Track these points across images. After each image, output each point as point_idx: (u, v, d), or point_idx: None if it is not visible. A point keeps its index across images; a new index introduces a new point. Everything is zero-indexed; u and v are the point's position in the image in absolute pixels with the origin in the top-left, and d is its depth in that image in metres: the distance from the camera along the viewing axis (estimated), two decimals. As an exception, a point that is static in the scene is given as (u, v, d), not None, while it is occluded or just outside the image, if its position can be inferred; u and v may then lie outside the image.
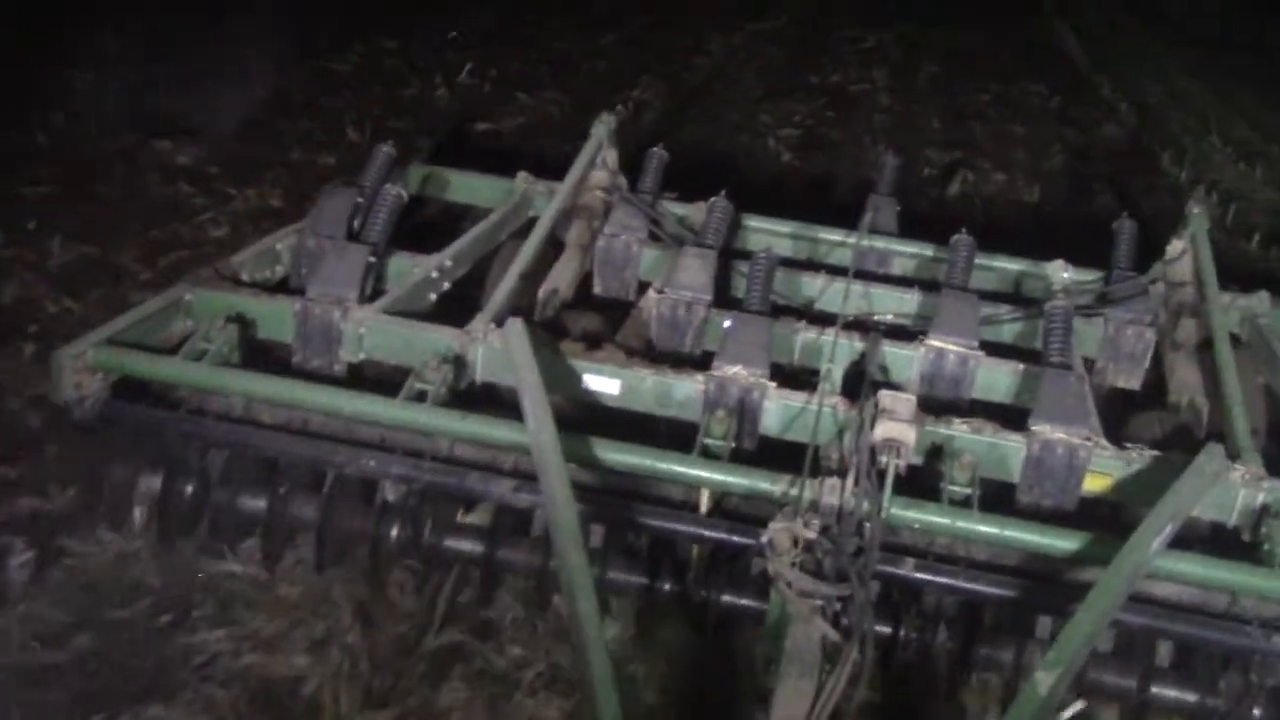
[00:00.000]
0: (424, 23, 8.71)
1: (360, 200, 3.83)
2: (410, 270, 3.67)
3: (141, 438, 3.13)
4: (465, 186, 4.49)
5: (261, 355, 3.40)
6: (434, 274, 3.68)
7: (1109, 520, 3.14)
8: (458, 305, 3.62)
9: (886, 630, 2.87)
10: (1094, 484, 3.12)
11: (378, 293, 3.57)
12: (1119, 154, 7.85)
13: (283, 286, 3.73)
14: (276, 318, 3.40)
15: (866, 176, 5.09)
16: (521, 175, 4.34)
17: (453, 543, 3.07)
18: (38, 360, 3.78)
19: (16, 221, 4.86)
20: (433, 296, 3.68)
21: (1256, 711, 2.78)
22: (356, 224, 3.77)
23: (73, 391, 3.06)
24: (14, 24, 6.22)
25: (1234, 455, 3.05)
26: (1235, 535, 3.02)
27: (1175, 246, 4.02)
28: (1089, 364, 3.75)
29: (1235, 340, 3.77)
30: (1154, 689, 2.81)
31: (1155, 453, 3.12)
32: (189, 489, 3.09)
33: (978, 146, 7.64)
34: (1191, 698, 2.82)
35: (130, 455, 3.12)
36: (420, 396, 3.11)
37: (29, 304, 4.33)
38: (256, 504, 3.09)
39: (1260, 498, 2.97)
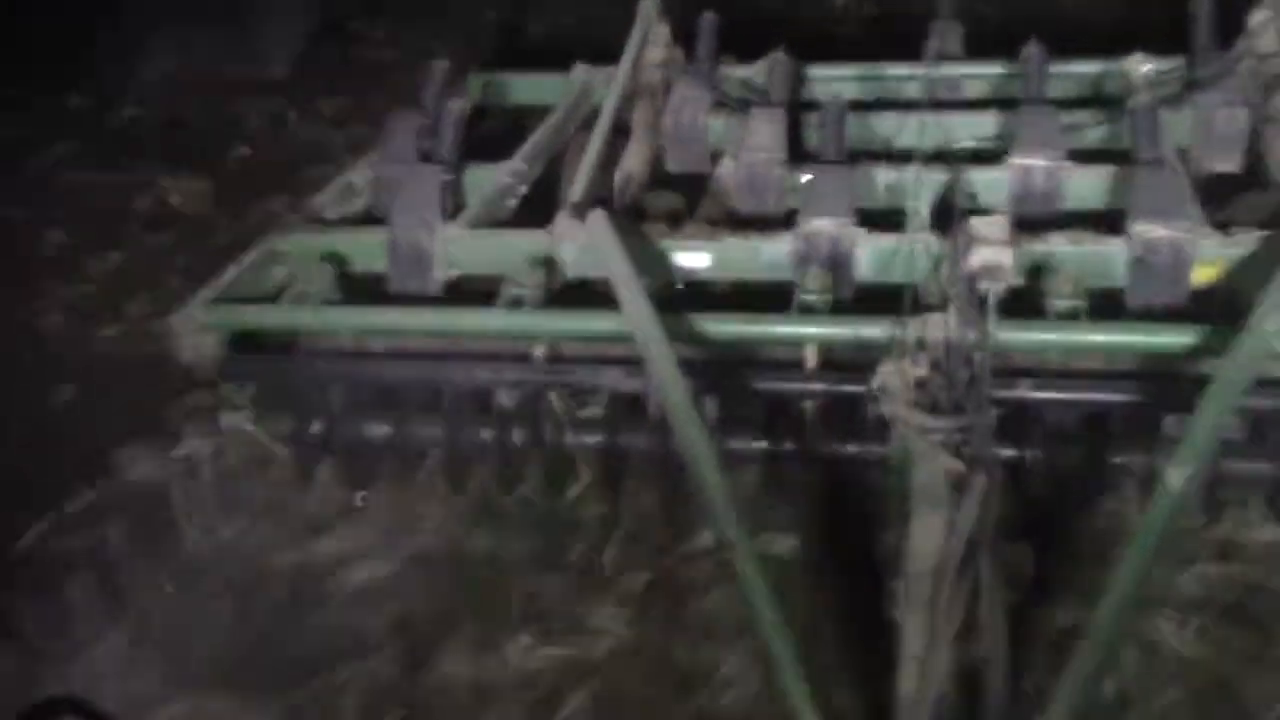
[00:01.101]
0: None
1: (425, 121, 3.86)
2: (487, 181, 3.70)
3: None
4: (525, 88, 4.48)
5: (359, 288, 3.49)
6: (509, 180, 3.70)
7: (1226, 310, 3.09)
8: (540, 207, 3.65)
9: (1012, 454, 2.89)
10: (1204, 275, 3.06)
11: (459, 208, 3.61)
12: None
13: (368, 219, 3.80)
14: (368, 250, 3.47)
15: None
16: (579, 66, 4.31)
17: (574, 438, 3.15)
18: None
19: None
20: (512, 203, 3.71)
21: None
22: (425, 145, 3.81)
23: (192, 353, 3.19)
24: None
25: (1344, 223, 2.96)
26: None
27: (1257, 17, 3.84)
28: (1183, 154, 3.64)
29: (1334, 107, 3.62)
30: (1289, 469, 2.79)
31: (1262, 233, 3.04)
32: (318, 426, 3.21)
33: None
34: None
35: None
36: (517, 302, 3.17)
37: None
38: (381, 430, 3.19)
39: (1375, 262, 2.89)
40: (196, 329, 3.19)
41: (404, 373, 3.17)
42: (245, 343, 3.27)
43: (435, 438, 3.17)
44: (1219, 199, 3.50)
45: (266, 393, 3.25)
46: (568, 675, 2.74)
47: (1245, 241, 3.02)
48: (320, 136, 5.43)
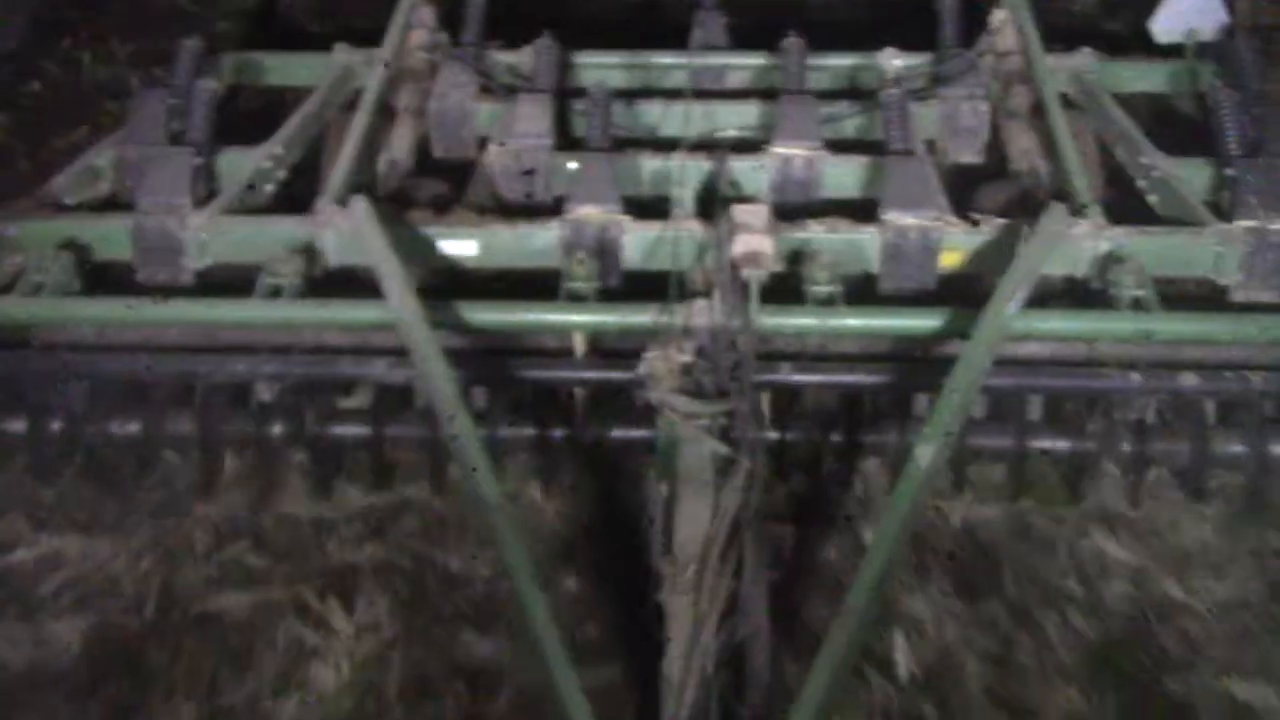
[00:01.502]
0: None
1: (175, 101, 3.66)
2: (242, 165, 3.54)
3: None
4: (282, 68, 4.29)
5: (104, 279, 3.29)
6: (266, 164, 3.54)
7: (972, 294, 3.25)
8: (299, 193, 3.52)
9: (774, 436, 2.96)
10: (950, 260, 3.22)
11: (212, 194, 3.45)
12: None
13: (111, 204, 3.58)
14: (111, 237, 3.27)
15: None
16: (339, 47, 4.15)
17: (339, 429, 3.06)
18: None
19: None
20: (270, 188, 3.56)
21: (1125, 447, 2.95)
22: (175, 127, 3.62)
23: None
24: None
25: (1076, 211, 3.16)
26: (1086, 287, 3.16)
27: (997, 16, 4.06)
28: (930, 145, 3.82)
29: (1066, 100, 3.85)
30: (1029, 443, 2.96)
31: (1003, 220, 3.22)
32: (56, 425, 3.01)
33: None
34: (1065, 445, 2.97)
35: None
36: (275, 292, 3.05)
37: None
38: (129, 429, 3.02)
39: (1103, 246, 3.10)
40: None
41: (153, 366, 2.99)
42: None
43: (188, 435, 3.02)
44: (963, 188, 3.69)
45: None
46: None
47: (988, 230, 3.19)
48: (116, 76, 5.10)
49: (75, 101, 4.90)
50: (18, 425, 3.00)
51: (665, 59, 4.25)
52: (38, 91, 5.07)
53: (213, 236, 3.25)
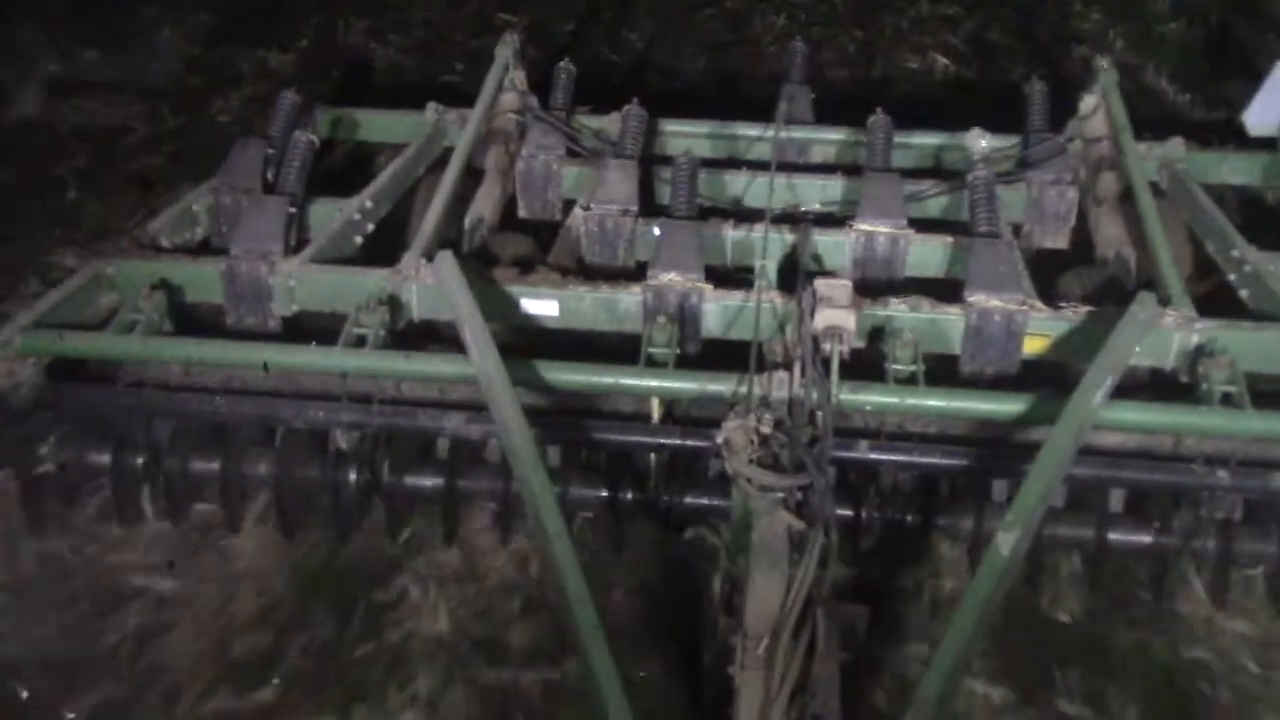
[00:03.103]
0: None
1: (271, 151, 3.75)
2: (332, 216, 3.62)
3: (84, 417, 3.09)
4: (376, 124, 4.40)
5: (194, 320, 3.35)
6: (356, 216, 3.62)
7: (1053, 380, 3.21)
8: (386, 246, 3.58)
9: (849, 513, 2.93)
10: (1034, 346, 3.19)
11: (302, 243, 3.52)
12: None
13: (205, 248, 3.66)
14: (203, 280, 3.34)
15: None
16: (431, 106, 4.25)
17: (414, 480, 3.08)
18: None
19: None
20: (358, 240, 3.63)
21: (1210, 544, 2.88)
22: (271, 175, 3.71)
23: (5, 379, 3.00)
24: None
25: (1165, 301, 3.12)
26: (1174, 378, 3.10)
27: (1088, 102, 4.05)
28: (1016, 229, 3.80)
29: (1155, 189, 3.82)
30: (1110, 535, 2.90)
31: (1089, 308, 3.18)
32: (140, 462, 3.06)
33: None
34: (1147, 539, 2.91)
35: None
36: (360, 341, 3.09)
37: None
38: (209, 467, 3.06)
39: (1194, 339, 3.05)
40: (11, 355, 3.01)
41: (236, 408, 3.03)
42: (67, 371, 3.10)
43: (266, 477, 3.06)
44: (1048, 274, 3.66)
45: (86, 423, 3.09)
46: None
47: (1074, 316, 3.15)
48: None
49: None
50: (102, 458, 3.05)
51: (751, 130, 4.29)
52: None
53: (301, 284, 3.31)
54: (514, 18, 6.37)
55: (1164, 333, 3.05)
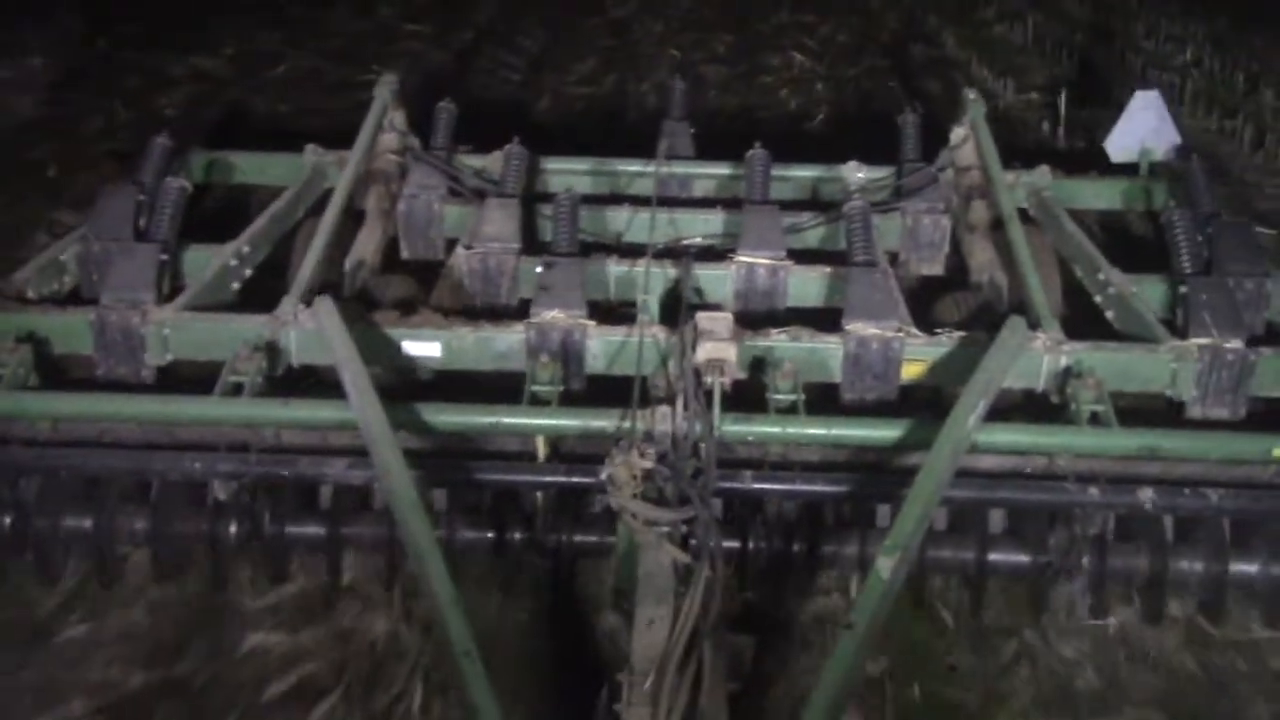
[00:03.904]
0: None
1: (143, 198, 3.67)
2: (208, 262, 3.55)
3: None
4: (252, 167, 4.34)
5: (62, 372, 3.26)
6: (232, 262, 3.56)
7: (933, 404, 3.27)
8: (266, 292, 3.52)
9: (735, 544, 2.94)
10: (911, 371, 3.25)
11: (176, 290, 3.44)
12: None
13: (75, 298, 3.56)
14: (72, 331, 3.26)
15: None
16: (310, 148, 4.22)
17: (295, 529, 3.02)
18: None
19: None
20: (235, 286, 3.57)
21: (1084, 560, 2.95)
22: (143, 223, 3.63)
23: None
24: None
25: (1035, 325, 3.21)
26: (1045, 399, 3.19)
27: (958, 133, 4.17)
28: (893, 257, 3.88)
29: (1025, 215, 3.94)
30: (990, 556, 2.95)
31: (963, 333, 3.26)
32: (7, 520, 2.95)
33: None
34: (1025, 559, 2.97)
35: None
36: (236, 389, 3.02)
37: None
38: (81, 524, 2.96)
39: (1062, 361, 3.14)
40: None
41: (107, 462, 2.94)
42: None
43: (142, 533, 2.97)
44: (925, 300, 3.74)
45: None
46: None
47: (949, 341, 3.22)
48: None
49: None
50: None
51: (632, 166, 4.33)
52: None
53: (175, 332, 3.24)
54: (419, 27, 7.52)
55: (1034, 356, 3.13)
